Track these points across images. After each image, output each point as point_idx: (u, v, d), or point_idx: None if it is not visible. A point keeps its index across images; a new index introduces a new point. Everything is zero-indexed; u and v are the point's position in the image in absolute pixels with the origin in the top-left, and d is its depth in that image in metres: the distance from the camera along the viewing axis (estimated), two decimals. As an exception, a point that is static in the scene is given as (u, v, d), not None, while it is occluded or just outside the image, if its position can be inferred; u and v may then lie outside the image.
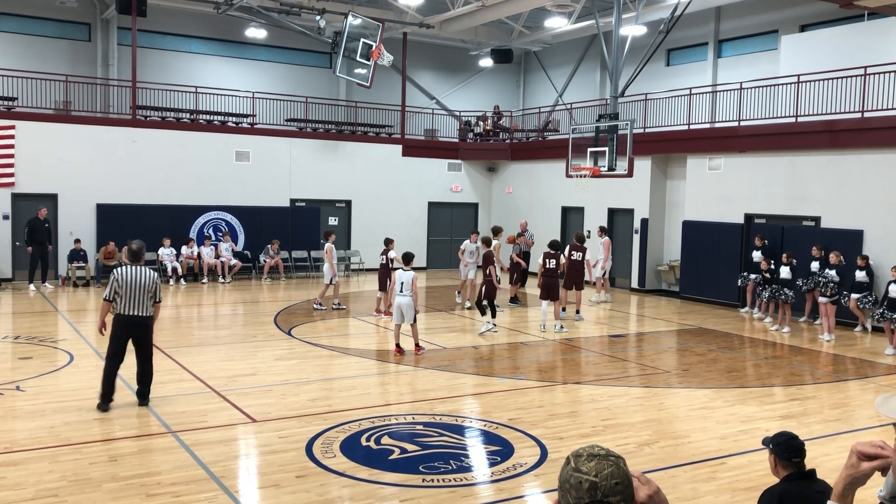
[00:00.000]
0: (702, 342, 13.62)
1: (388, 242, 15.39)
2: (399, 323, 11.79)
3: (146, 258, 19.23)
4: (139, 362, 8.62)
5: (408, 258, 11.94)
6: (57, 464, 6.72)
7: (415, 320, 11.79)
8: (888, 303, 13.03)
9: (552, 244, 14.48)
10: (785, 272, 14.90)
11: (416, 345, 11.86)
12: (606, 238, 18.47)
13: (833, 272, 14.02)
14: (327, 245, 15.82)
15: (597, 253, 18.40)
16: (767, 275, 15.26)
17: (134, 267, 8.54)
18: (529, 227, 21.16)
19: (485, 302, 13.51)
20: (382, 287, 15.32)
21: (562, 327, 14.20)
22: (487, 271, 13.35)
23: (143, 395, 8.64)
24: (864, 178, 15.29)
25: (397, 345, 11.78)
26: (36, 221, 18.00)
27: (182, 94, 22.32)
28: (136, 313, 8.42)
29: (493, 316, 13.58)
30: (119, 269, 8.55)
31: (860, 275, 14.21)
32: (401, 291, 11.68)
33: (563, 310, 15.73)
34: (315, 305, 15.97)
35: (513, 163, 25.29)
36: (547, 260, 14.16)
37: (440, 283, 21.21)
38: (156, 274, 8.63)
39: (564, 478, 1.93)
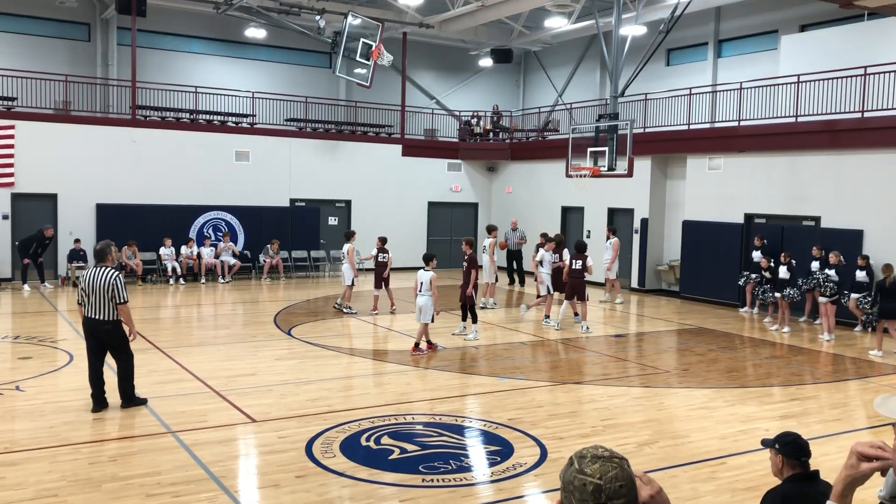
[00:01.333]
0: (702, 342, 13.61)
1: (384, 241, 15.38)
2: (421, 322, 11.93)
3: (147, 258, 19.47)
4: (115, 362, 8.54)
5: (428, 258, 12.08)
6: (57, 464, 6.72)
7: (432, 320, 11.87)
8: None
9: (578, 245, 14.52)
10: (783, 272, 14.89)
11: (415, 344, 11.86)
12: (615, 239, 18.28)
13: (832, 272, 14.01)
14: (348, 246, 15.61)
15: (604, 253, 18.34)
16: (767, 274, 15.26)
17: (96, 268, 8.33)
18: (525, 226, 21.20)
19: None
20: (378, 286, 15.36)
21: (588, 328, 14.21)
22: (472, 274, 13.13)
23: (121, 396, 8.49)
24: (863, 178, 15.29)
25: (428, 342, 11.96)
26: (42, 237, 18.03)
27: (182, 94, 22.31)
28: (94, 316, 8.25)
29: (475, 321, 13.26)
30: (85, 271, 8.42)
31: (860, 275, 14.21)
32: (420, 291, 11.81)
33: (547, 317, 15.54)
34: (344, 309, 15.55)
35: (513, 163, 25.29)
36: (574, 261, 14.31)
37: (439, 283, 21.19)
38: (115, 275, 8.25)
39: (568, 479, 1.92)
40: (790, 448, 3.76)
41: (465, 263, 13.62)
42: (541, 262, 15.63)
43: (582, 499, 1.87)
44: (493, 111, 26.14)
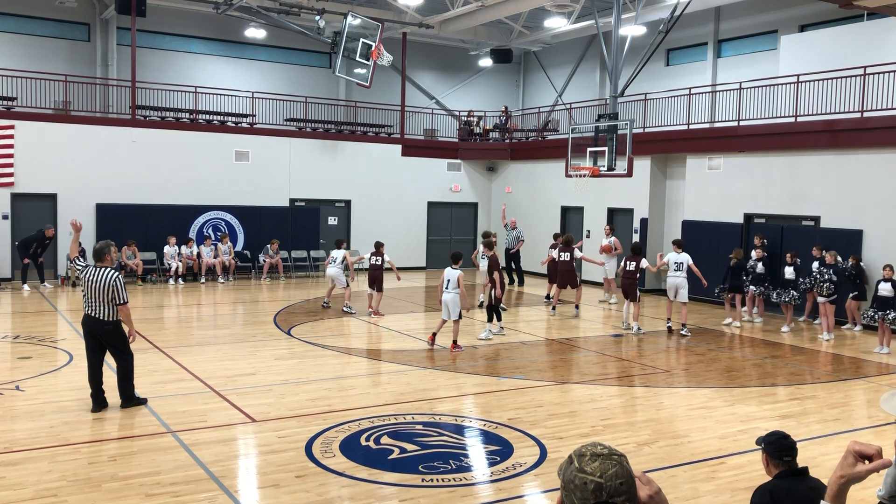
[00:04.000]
0: (701, 342, 13.62)
1: (379, 246, 15.59)
2: (446, 318, 12.17)
3: (147, 258, 19.46)
4: (115, 362, 8.54)
5: (456, 258, 12.38)
6: (56, 464, 6.72)
7: (460, 317, 12.11)
8: (878, 302, 13.03)
9: (634, 247, 14.89)
10: (789, 272, 14.86)
11: (454, 342, 12.08)
12: (614, 238, 18.41)
13: (830, 272, 14.00)
14: (343, 252, 16.11)
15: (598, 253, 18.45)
16: (758, 264, 15.38)
17: (95, 268, 8.32)
18: (525, 226, 21.20)
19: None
20: (371, 286, 15.51)
21: (639, 329, 14.38)
22: (494, 276, 13.17)
23: (120, 396, 8.50)
24: (863, 177, 15.29)
25: (433, 334, 12.30)
26: (42, 238, 18.03)
27: (181, 94, 22.32)
28: (93, 315, 8.26)
29: (499, 320, 13.58)
30: (85, 269, 8.41)
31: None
32: (446, 288, 12.04)
33: (553, 308, 16.04)
34: (344, 308, 15.72)
35: (512, 162, 25.29)
36: (628, 262, 14.68)
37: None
38: (115, 275, 8.23)
39: (568, 478, 1.92)
40: (773, 447, 3.91)
41: (487, 265, 13.72)
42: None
43: (583, 497, 1.88)
44: (504, 112, 26.14)
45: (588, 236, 21.62)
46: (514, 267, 21.00)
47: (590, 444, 1.99)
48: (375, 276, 15.40)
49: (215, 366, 10.74)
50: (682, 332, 14.16)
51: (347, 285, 15.98)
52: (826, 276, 13.87)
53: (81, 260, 8.66)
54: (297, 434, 7.69)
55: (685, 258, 14.36)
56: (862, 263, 14.42)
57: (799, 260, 14.91)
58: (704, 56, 23.03)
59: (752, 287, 15.68)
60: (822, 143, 16.06)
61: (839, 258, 14.22)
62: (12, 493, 6.05)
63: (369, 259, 15.61)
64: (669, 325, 14.53)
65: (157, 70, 23.29)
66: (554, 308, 16.31)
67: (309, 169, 22.82)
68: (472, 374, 10.75)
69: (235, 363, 10.97)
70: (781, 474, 3.85)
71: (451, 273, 12.07)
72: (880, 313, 12.91)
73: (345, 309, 15.67)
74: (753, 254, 15.95)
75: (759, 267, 15.57)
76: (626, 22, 18.59)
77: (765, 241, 16.31)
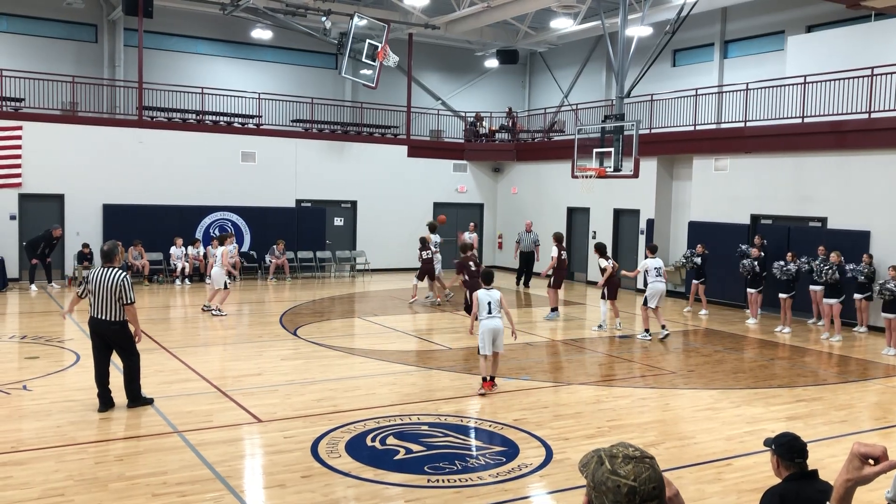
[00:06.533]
0: (707, 343, 13.59)
1: (425, 240, 17.18)
2: (487, 354, 9.60)
3: (154, 258, 19.51)
4: (122, 362, 8.58)
5: (489, 277, 10.15)
6: (63, 463, 6.74)
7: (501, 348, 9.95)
8: (884, 303, 12.99)
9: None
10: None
11: (491, 378, 9.76)
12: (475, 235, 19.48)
13: (835, 267, 13.95)
14: (222, 249, 15.24)
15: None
16: (756, 264, 15.44)
17: (103, 268, 8.38)
18: (533, 228, 21.18)
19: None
20: (421, 277, 17.23)
21: (620, 324, 14.93)
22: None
23: (127, 396, 8.52)
24: (870, 178, 15.24)
25: (485, 378, 9.71)
26: (50, 237, 18.08)
27: (188, 95, 22.37)
28: (100, 316, 8.31)
29: None
30: (92, 270, 8.42)
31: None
32: (490, 313, 9.52)
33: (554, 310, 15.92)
34: (214, 312, 15.11)
35: (518, 163, 25.27)
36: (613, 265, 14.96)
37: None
38: (122, 275, 8.31)
39: (600, 479, 1.91)
40: (783, 449, 3.82)
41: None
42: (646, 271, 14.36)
43: (615, 500, 1.87)
44: (508, 113, 26.14)
45: (594, 237, 21.58)
46: (526, 269, 20.98)
47: (619, 444, 1.98)
48: (429, 269, 17.10)
49: (221, 366, 10.76)
50: (665, 335, 13.71)
51: (226, 287, 15.14)
52: (829, 270, 13.81)
53: (82, 286, 8.64)
54: (303, 434, 7.70)
55: (661, 263, 14.18)
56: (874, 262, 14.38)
57: (799, 260, 14.87)
58: (711, 57, 22.98)
59: (750, 289, 15.79)
60: (829, 144, 16.01)
61: (843, 259, 14.18)
62: (19, 492, 6.08)
63: (422, 254, 17.06)
64: (667, 332, 13.82)
65: (164, 71, 23.35)
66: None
67: (315, 170, 22.84)
68: (477, 375, 10.71)
69: (241, 363, 10.99)
70: (792, 477, 3.78)
71: (491, 295, 9.57)
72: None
73: (214, 312, 15.08)
74: (752, 252, 15.95)
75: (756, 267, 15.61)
76: (632, 23, 18.58)
77: (764, 241, 16.28)
